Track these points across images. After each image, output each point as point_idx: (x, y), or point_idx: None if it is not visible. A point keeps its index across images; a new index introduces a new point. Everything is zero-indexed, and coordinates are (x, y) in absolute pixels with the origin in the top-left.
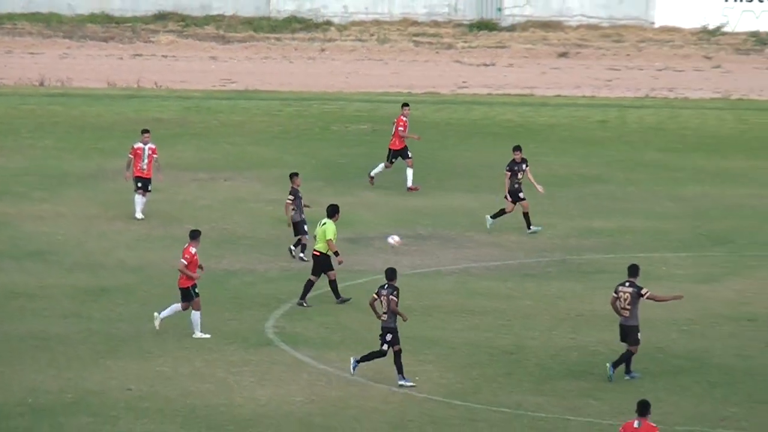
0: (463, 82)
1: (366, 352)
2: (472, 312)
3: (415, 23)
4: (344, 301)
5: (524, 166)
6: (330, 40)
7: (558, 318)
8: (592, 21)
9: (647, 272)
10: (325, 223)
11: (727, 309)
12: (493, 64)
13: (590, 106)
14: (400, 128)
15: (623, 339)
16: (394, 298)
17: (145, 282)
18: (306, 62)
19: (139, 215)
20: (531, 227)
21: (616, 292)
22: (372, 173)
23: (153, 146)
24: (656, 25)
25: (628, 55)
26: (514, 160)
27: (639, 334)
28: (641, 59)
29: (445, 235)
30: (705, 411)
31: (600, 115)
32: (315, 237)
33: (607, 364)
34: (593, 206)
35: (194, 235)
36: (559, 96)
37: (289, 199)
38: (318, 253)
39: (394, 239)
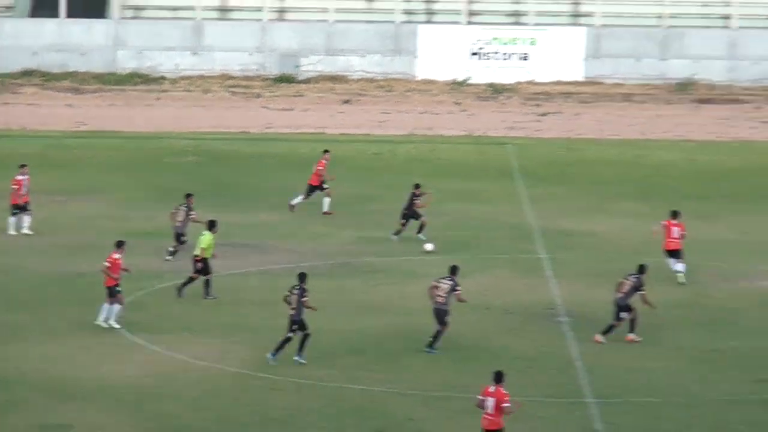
0: (269, 123)
1: (277, 344)
2: (274, 303)
3: (231, 77)
4: (212, 297)
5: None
6: (164, 91)
7: (341, 307)
8: (369, 75)
9: (412, 271)
10: (204, 234)
11: (470, 300)
12: (293, 109)
13: (368, 141)
14: (320, 168)
15: (439, 320)
16: (305, 298)
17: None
18: (144, 108)
19: (26, 231)
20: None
21: (436, 282)
22: (292, 202)
23: (28, 176)
24: (418, 78)
25: (397, 101)
26: (419, 194)
27: (448, 317)
28: (407, 105)
29: (253, 243)
30: (452, 380)
31: (375, 148)
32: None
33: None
34: (370, 220)
35: (119, 244)
36: (344, 134)
37: (173, 211)
38: (198, 258)
39: (429, 246)
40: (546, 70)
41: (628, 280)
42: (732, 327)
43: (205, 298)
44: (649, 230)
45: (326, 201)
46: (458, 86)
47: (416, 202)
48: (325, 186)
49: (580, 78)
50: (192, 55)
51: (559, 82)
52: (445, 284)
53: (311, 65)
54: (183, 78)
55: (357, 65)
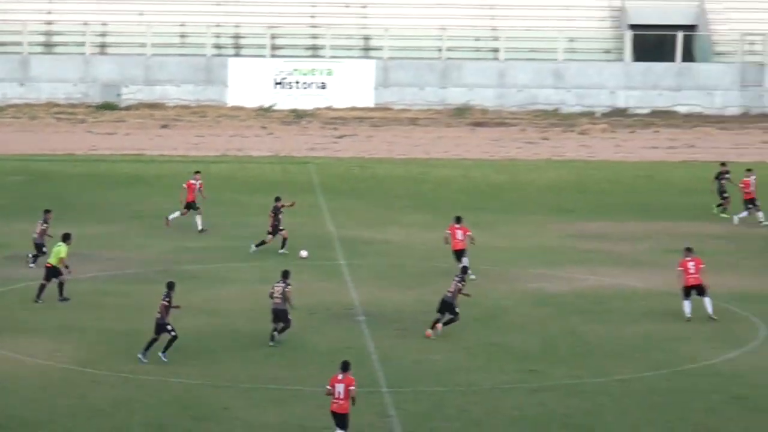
0: (93, 146)
1: (147, 343)
2: (100, 306)
3: (57, 105)
4: (65, 300)
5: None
6: None
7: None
8: (184, 103)
9: (225, 277)
10: (59, 245)
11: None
12: (116, 133)
13: (184, 162)
14: (193, 186)
15: (281, 319)
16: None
17: None
18: None
19: None
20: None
21: (272, 288)
22: (169, 217)
23: None
24: (228, 105)
25: (209, 126)
26: (282, 206)
27: (289, 315)
28: (219, 129)
29: (82, 253)
30: (262, 373)
31: (191, 168)
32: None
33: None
34: (186, 232)
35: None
36: (162, 155)
37: (42, 227)
38: (50, 265)
39: (303, 253)
40: (341, 98)
41: (454, 281)
42: (506, 323)
43: (59, 300)
44: (434, 238)
45: (199, 219)
46: (264, 112)
47: (279, 216)
48: (197, 205)
49: (371, 104)
50: (19, 85)
51: (353, 108)
52: (279, 287)
53: (131, 94)
54: (11, 106)
55: (173, 94)
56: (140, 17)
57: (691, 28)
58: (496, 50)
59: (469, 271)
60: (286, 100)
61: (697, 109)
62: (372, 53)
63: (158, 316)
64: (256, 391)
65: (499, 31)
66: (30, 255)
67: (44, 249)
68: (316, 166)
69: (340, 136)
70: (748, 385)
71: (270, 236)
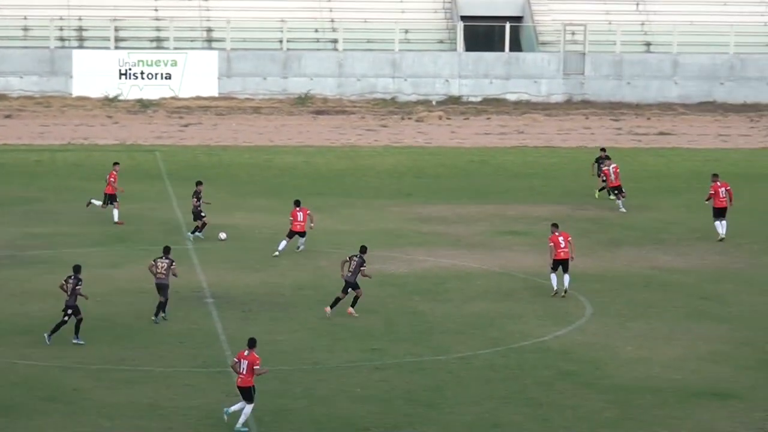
0: None
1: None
2: None
3: None
4: None
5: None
6: None
7: (9, 294)
8: (28, 94)
9: (71, 262)
10: None
11: (128, 285)
12: None
13: (29, 150)
14: (111, 179)
15: (162, 293)
16: (80, 287)
17: None
18: None
19: None
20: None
21: (154, 261)
22: (93, 200)
23: None
24: (74, 95)
25: (54, 116)
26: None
27: (169, 291)
28: (64, 119)
29: None
30: (112, 354)
31: (36, 156)
32: None
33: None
34: (33, 218)
35: None
36: (6, 144)
37: None
38: None
39: (222, 236)
40: (186, 88)
41: (352, 260)
42: (350, 304)
43: None
44: (279, 222)
45: (116, 212)
46: (110, 102)
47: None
48: (117, 197)
49: (216, 94)
50: None
51: (198, 98)
52: (163, 263)
53: None
54: None
55: (16, 85)
56: None
57: (517, 19)
58: (335, 41)
59: (301, 245)
60: (131, 91)
61: (525, 97)
62: (215, 44)
63: (68, 299)
64: (106, 371)
65: (337, 23)
66: None
67: None
68: (162, 153)
69: (186, 125)
70: (576, 360)
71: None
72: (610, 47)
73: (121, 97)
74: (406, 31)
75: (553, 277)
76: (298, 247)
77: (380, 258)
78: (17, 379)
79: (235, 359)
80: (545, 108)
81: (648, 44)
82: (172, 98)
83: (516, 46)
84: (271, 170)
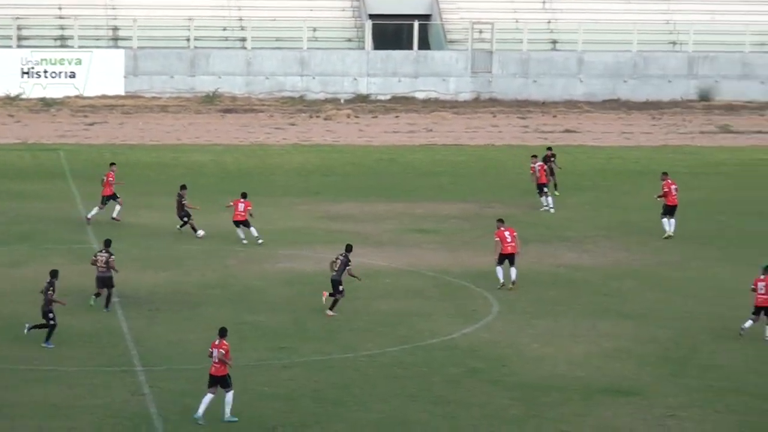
0: None
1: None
2: None
3: None
4: None
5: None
6: None
7: None
8: None
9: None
10: None
11: (31, 285)
12: None
13: None
14: (110, 179)
15: (102, 286)
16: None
17: None
18: None
19: None
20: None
21: (95, 257)
22: (88, 216)
23: None
24: None
25: None
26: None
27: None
28: None
29: None
30: (15, 354)
31: None
32: None
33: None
34: None
35: None
36: None
37: None
38: None
39: (200, 233)
40: (92, 86)
41: (338, 259)
42: (257, 303)
43: None
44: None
45: (117, 208)
46: (12, 101)
47: (184, 202)
48: (117, 195)
49: (122, 92)
50: None
51: (104, 96)
52: (102, 256)
53: None
54: None
55: None
56: None
57: (426, 17)
58: (243, 39)
59: (244, 239)
60: (34, 89)
61: (433, 95)
62: (121, 43)
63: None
64: (8, 372)
65: (245, 21)
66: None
67: None
68: (66, 152)
69: (91, 124)
70: (483, 358)
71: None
72: (517, 45)
73: (23, 96)
74: (315, 30)
75: (499, 270)
76: (244, 239)
77: (288, 256)
78: None
79: (210, 349)
80: (453, 106)
81: (554, 42)
82: (77, 97)
83: (424, 45)
84: (178, 168)
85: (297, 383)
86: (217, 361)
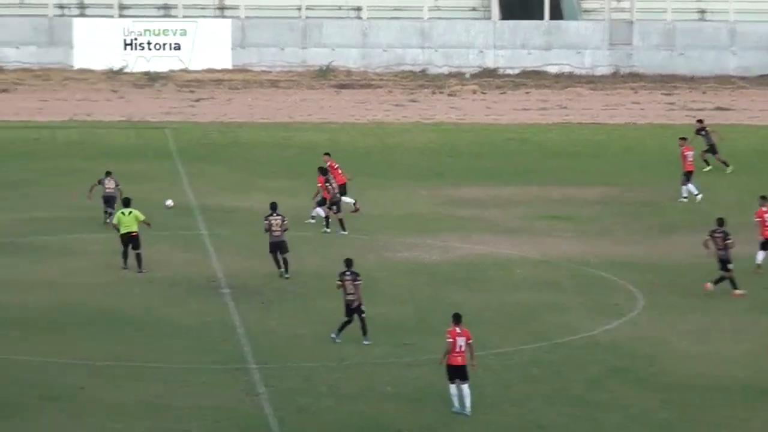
0: None
1: None
2: None
3: None
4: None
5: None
6: None
7: (5, 283)
8: (26, 66)
9: (73, 249)
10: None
11: (134, 274)
12: None
13: (27, 128)
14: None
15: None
16: None
17: None
18: None
19: None
20: None
21: (267, 219)
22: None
23: None
24: (75, 68)
25: (54, 90)
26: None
27: None
28: (65, 93)
29: None
30: (119, 350)
31: (35, 134)
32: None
33: None
34: (31, 202)
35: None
36: (2, 120)
37: None
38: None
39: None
40: (197, 59)
41: (715, 236)
42: (378, 294)
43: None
44: (300, 205)
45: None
46: (115, 75)
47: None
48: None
49: (229, 66)
50: None
51: (210, 70)
52: (276, 219)
53: None
54: None
55: (12, 56)
56: None
57: None
58: (358, 8)
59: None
60: (137, 62)
61: (567, 69)
62: (228, 12)
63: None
64: (113, 368)
65: None
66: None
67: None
68: (172, 131)
69: (197, 100)
70: (628, 356)
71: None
72: (661, 15)
73: (126, 70)
74: None
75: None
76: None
77: (410, 245)
78: (13, 376)
79: (449, 338)
80: (590, 81)
81: (702, 11)
82: (182, 71)
83: (557, 14)
84: (290, 149)
85: (423, 383)
86: (462, 350)
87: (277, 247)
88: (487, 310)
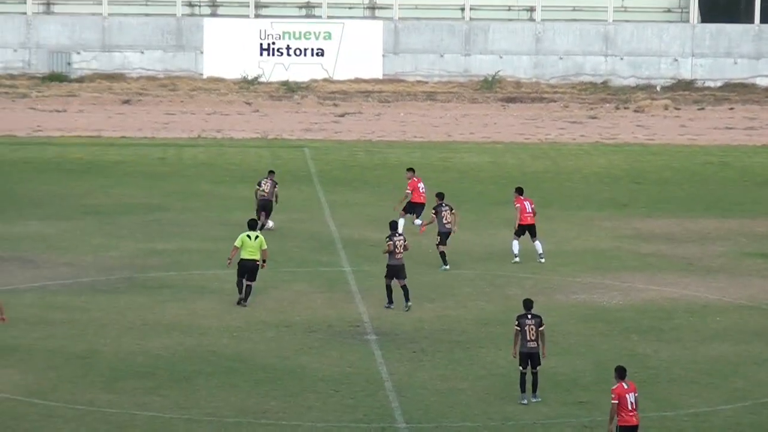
0: (38, 126)
1: None
2: (49, 322)
3: None
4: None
5: None
6: None
7: (126, 327)
8: (150, 73)
9: (203, 286)
10: (257, 235)
11: (268, 317)
12: (65, 111)
13: (151, 145)
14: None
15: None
16: None
17: None
18: None
19: None
20: None
21: (391, 239)
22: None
23: None
24: (205, 76)
25: (182, 101)
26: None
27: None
28: (193, 105)
29: (24, 257)
30: (250, 404)
31: (160, 153)
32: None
33: None
34: (156, 231)
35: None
36: (124, 137)
37: None
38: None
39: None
40: (343, 68)
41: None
42: (550, 345)
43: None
44: (459, 239)
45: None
46: (249, 84)
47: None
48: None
49: (379, 75)
50: None
51: (357, 80)
52: (400, 240)
53: (85, 62)
54: None
55: (136, 62)
56: None
57: None
58: (531, 9)
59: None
60: (275, 70)
61: None
62: (379, 13)
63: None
64: (244, 426)
65: None
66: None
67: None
68: (312, 150)
69: (342, 114)
70: None
71: None
72: None
73: (261, 79)
74: None
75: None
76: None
77: (587, 286)
78: None
79: (614, 397)
80: None
81: None
82: (325, 80)
83: None
84: (448, 173)
85: None
86: (635, 407)
87: (396, 272)
88: (678, 364)
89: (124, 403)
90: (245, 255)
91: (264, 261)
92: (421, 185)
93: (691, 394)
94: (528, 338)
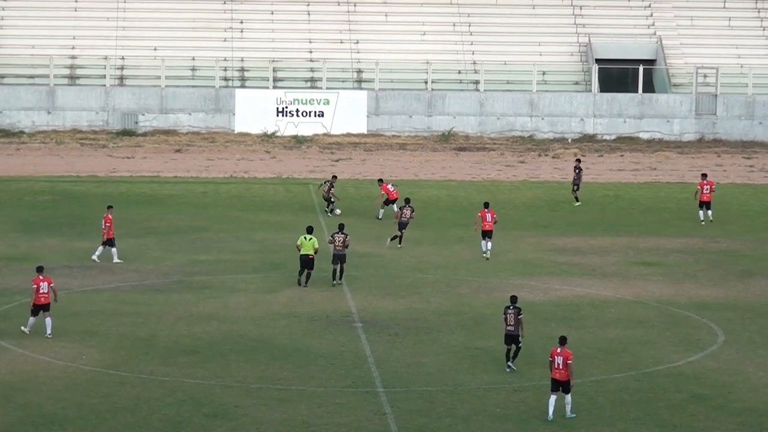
0: (113, 168)
1: None
2: (121, 314)
3: (80, 132)
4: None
5: None
6: (23, 143)
7: (177, 317)
8: (195, 129)
9: (234, 287)
10: (311, 238)
11: (282, 309)
12: (133, 157)
13: (196, 183)
14: (107, 224)
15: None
16: None
17: None
18: (6, 157)
19: None
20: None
21: (332, 236)
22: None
23: None
24: (236, 132)
25: (219, 150)
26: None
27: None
28: (227, 153)
29: (102, 266)
30: (269, 374)
31: (202, 188)
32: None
33: None
34: (199, 246)
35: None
36: (176, 177)
37: None
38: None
39: (337, 211)
40: (338, 125)
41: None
42: (488, 329)
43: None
44: (423, 252)
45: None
46: (268, 138)
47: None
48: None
49: (365, 131)
50: (47, 114)
51: (348, 135)
52: (340, 237)
53: (148, 122)
54: (39, 132)
55: (185, 121)
56: (155, 52)
57: (650, 62)
58: (476, 82)
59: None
60: (287, 127)
61: (657, 135)
62: (365, 84)
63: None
64: (264, 390)
65: (479, 65)
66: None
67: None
68: (315, 186)
69: (337, 160)
70: (708, 385)
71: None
72: (742, 89)
73: (278, 134)
74: (544, 73)
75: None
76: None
77: (518, 286)
78: (184, 396)
79: (549, 358)
80: (678, 146)
81: None
82: (325, 135)
83: (649, 88)
84: (415, 203)
85: (526, 406)
86: (560, 367)
87: (339, 259)
88: (584, 344)
89: (176, 373)
90: (303, 251)
91: (315, 252)
92: (390, 186)
93: (593, 366)
94: (507, 323)
